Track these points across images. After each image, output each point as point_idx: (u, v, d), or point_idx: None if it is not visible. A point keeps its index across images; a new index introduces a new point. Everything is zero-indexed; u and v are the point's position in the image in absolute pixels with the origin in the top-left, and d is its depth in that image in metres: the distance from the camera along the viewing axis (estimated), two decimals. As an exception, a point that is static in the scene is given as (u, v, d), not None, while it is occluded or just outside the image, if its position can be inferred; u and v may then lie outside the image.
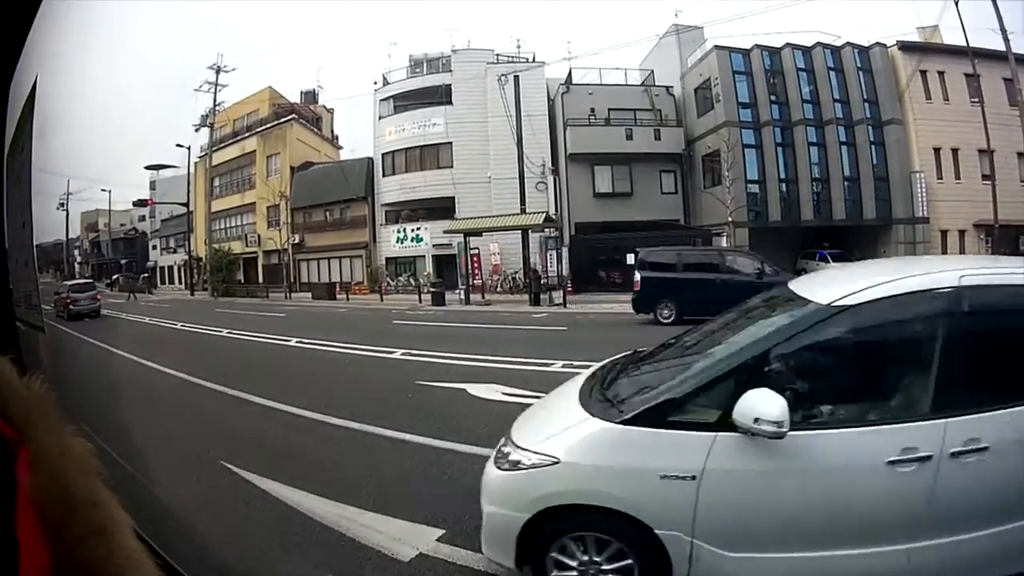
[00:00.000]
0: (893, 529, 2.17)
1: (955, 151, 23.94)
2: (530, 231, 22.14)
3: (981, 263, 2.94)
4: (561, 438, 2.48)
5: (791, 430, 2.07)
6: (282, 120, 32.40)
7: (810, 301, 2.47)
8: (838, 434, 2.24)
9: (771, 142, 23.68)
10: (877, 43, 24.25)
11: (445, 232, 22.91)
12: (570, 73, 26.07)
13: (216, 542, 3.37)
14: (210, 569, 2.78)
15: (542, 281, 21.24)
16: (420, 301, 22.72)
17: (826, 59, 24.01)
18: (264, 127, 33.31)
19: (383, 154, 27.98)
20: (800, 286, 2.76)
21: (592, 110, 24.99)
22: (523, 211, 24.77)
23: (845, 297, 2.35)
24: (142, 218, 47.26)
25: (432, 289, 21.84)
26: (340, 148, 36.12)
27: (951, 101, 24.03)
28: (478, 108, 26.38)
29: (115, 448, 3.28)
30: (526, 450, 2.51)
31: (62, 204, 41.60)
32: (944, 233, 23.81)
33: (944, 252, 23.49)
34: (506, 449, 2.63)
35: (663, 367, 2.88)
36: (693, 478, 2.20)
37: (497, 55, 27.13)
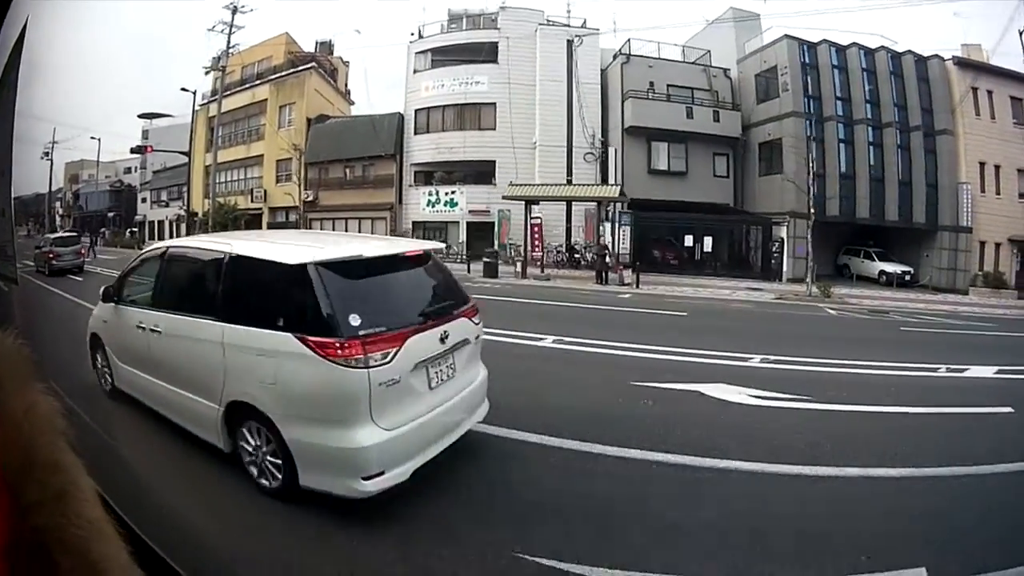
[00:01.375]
0: (141, 362, 3.71)
1: (997, 168, 21.78)
2: (603, 203, 18.01)
3: (186, 240, 4.60)
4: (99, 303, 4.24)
5: (120, 304, 3.93)
6: (300, 68, 26.84)
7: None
8: (132, 311, 3.80)
9: (833, 137, 20.63)
10: (936, 55, 21.79)
11: (504, 198, 18.54)
12: (628, 43, 22.07)
13: (197, 521, 2.63)
14: (186, 543, 2.15)
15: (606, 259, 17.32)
16: (469, 271, 18.25)
17: (888, 63, 21.26)
18: (279, 75, 27.55)
19: (416, 110, 23.16)
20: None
21: (651, 84, 21.22)
22: (569, 182, 20.66)
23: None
24: (128, 170, 39.94)
25: (487, 260, 17.48)
26: (352, 103, 30.57)
27: (997, 120, 21.90)
28: (526, 70, 22.08)
29: (89, 411, 3.59)
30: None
31: (47, 153, 34.12)
32: (982, 244, 21.54)
33: (981, 263, 21.32)
34: None
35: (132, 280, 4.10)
36: (105, 322, 4.12)
37: (547, 18, 22.80)
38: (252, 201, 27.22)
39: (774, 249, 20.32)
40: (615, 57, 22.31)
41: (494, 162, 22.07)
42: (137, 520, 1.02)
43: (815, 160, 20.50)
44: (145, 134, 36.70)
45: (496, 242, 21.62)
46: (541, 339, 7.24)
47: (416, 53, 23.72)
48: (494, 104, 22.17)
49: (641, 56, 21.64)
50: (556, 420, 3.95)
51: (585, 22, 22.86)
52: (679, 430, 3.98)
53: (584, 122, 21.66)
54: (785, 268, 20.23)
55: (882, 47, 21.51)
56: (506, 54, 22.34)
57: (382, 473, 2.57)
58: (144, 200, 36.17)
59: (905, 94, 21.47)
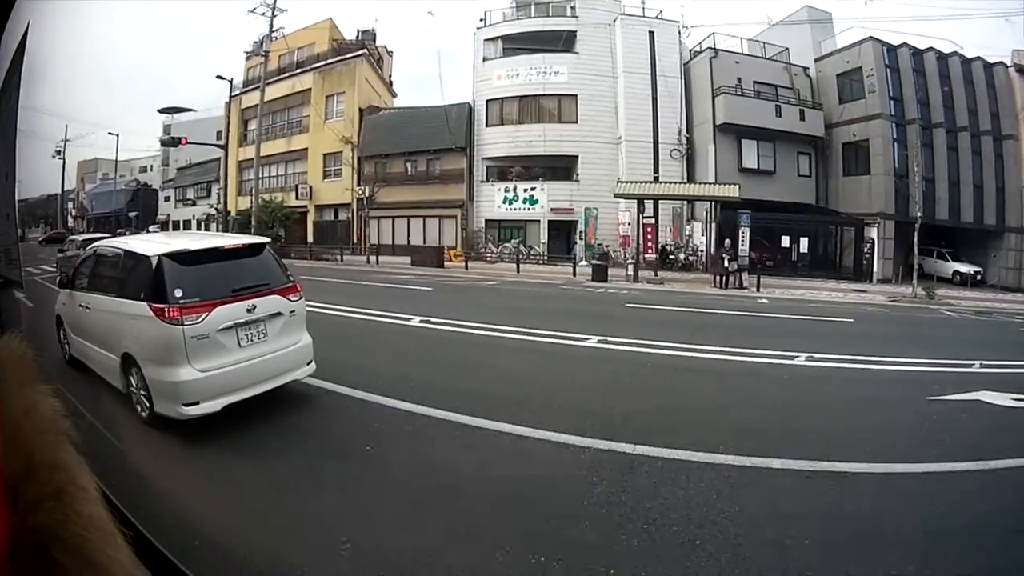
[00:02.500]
0: (82, 332, 4.33)
1: (1051, 173, 20.69)
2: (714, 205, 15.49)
3: (107, 241, 4.74)
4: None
5: (73, 290, 4.45)
6: (350, 55, 23.10)
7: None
8: (78, 294, 4.31)
9: (915, 140, 18.93)
10: (1000, 62, 20.49)
11: (616, 196, 15.68)
12: (713, 37, 19.69)
13: (208, 523, 2.50)
14: (193, 544, 2.12)
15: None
16: (575, 275, 15.41)
17: (960, 69, 19.78)
18: (326, 62, 23.72)
19: (488, 100, 19.99)
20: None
21: (739, 80, 18.88)
22: (656, 179, 18.16)
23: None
24: (144, 168, 34.64)
25: (596, 262, 14.73)
26: (395, 95, 26.96)
27: (1051, 125, 20.75)
28: (606, 61, 19.36)
29: (97, 415, 3.54)
30: None
31: (59, 151, 28.85)
32: (1039, 245, 20.43)
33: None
34: None
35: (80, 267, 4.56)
36: (64, 304, 4.62)
37: (624, 8, 20.16)
38: (297, 198, 23.30)
39: (865, 250, 18.43)
40: (693, 53, 19.89)
41: (576, 157, 19.27)
42: (144, 521, 0.99)
43: (900, 162, 18.88)
44: (167, 129, 31.80)
45: (579, 242, 18.84)
46: (793, 356, 6.14)
47: (484, 40, 20.59)
48: (575, 96, 19.37)
49: (729, 51, 19.27)
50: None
51: (661, 13, 20.29)
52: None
53: (673, 117, 19.11)
54: (876, 269, 18.39)
55: (955, 52, 20.03)
56: (585, 44, 19.54)
57: (197, 403, 3.30)
58: (167, 199, 31.23)
59: (975, 99, 20.07)
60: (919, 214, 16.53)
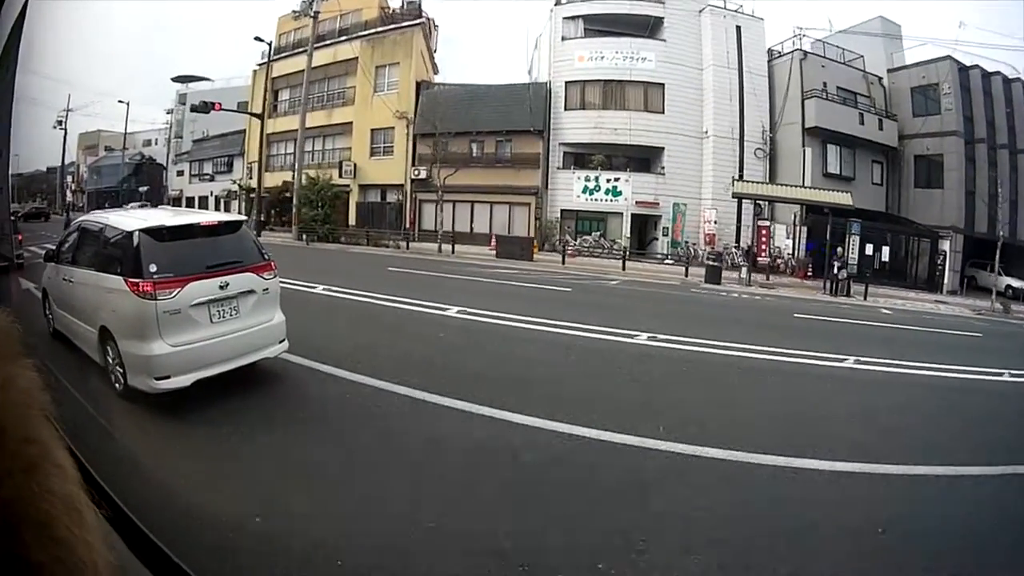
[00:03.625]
0: (66, 307, 4.01)
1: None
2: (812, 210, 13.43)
3: (89, 216, 4.57)
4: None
5: (58, 264, 4.14)
6: (407, 23, 19.57)
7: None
8: (62, 268, 4.03)
9: (984, 158, 17.83)
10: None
11: (735, 195, 13.42)
12: (800, 39, 17.78)
13: (193, 503, 2.29)
14: (183, 529, 1.91)
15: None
16: (687, 275, 12.94)
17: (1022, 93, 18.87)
18: (377, 30, 20.06)
19: (567, 83, 17.16)
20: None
21: (824, 84, 17.01)
22: (741, 177, 16.05)
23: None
24: (147, 142, 29.28)
25: (710, 262, 12.39)
26: (436, 71, 23.35)
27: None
28: (692, 52, 17.00)
29: (80, 387, 3.25)
30: None
31: (60, 122, 23.60)
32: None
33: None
34: None
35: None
36: (50, 278, 4.28)
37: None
38: (341, 176, 19.53)
39: (939, 261, 17.06)
40: (772, 53, 17.90)
41: (662, 149, 16.80)
42: (129, 503, 0.93)
43: (969, 178, 17.69)
44: (183, 98, 26.81)
45: (662, 238, 16.41)
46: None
47: (564, 18, 17.74)
48: (662, 85, 16.92)
49: (816, 55, 17.36)
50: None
51: (742, 7, 18.12)
52: None
53: (757, 116, 17.01)
54: (946, 280, 17.06)
55: (1018, 78, 19.10)
56: (672, 32, 17.09)
57: (168, 377, 3.13)
58: (180, 173, 26.27)
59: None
60: (1002, 233, 15.34)
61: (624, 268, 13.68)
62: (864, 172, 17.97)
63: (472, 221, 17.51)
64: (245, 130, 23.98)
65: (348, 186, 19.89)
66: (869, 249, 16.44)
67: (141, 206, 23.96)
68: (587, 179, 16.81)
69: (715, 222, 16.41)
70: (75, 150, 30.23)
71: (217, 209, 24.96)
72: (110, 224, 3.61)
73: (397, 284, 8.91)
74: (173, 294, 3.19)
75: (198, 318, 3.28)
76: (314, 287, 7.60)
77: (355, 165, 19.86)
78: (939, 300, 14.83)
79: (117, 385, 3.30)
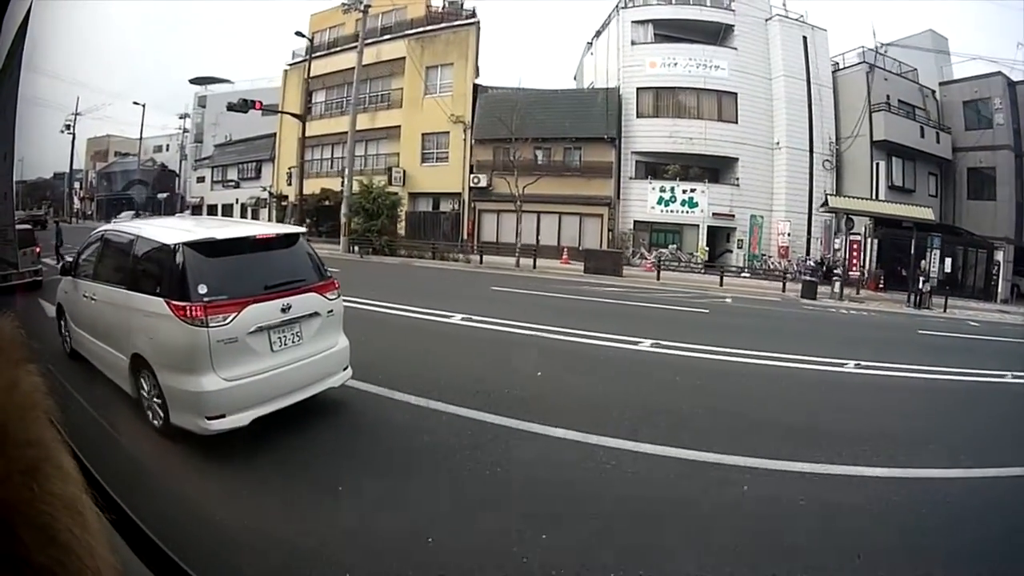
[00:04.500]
0: (87, 327, 3.41)
1: None
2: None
3: (116, 225, 3.74)
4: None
5: (76, 278, 3.54)
6: (461, 23, 17.50)
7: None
8: (82, 282, 3.42)
9: (1029, 170, 17.36)
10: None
11: (827, 209, 12.34)
12: (874, 51, 16.76)
13: (194, 511, 2.14)
14: (183, 530, 1.76)
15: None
16: (784, 290, 11.62)
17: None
18: (425, 29, 17.91)
19: (639, 89, 15.58)
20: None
21: (887, 97, 16.08)
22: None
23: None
24: (158, 148, 26.05)
25: (807, 279, 11.40)
26: (478, 75, 21.29)
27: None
28: (762, 61, 15.72)
29: (97, 409, 2.83)
30: None
31: (68, 126, 20.64)
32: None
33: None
34: None
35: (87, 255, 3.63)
36: (67, 293, 3.65)
37: (772, 9, 16.62)
38: (391, 184, 17.31)
39: (994, 271, 16.45)
40: (834, 64, 16.84)
41: (736, 160, 15.45)
42: (135, 508, 0.88)
43: (1019, 191, 17.18)
44: (201, 100, 23.70)
45: (736, 250, 15.09)
46: None
47: (632, 22, 16.10)
48: (735, 94, 15.62)
49: (881, 68, 16.37)
50: None
51: (802, 16, 16.98)
52: None
53: (824, 127, 15.90)
54: (1000, 290, 16.50)
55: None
56: (743, 41, 15.76)
57: (223, 416, 2.52)
58: (201, 179, 23.27)
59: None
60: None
61: (722, 283, 12.27)
62: (922, 184, 17.24)
63: (538, 232, 15.75)
64: (276, 133, 21.29)
65: (396, 194, 17.70)
66: (948, 263, 15.68)
67: (135, 215, 21.23)
68: (662, 189, 15.34)
69: (788, 234, 15.24)
70: (83, 156, 26.64)
71: (244, 218, 22.19)
72: (144, 236, 2.95)
73: (523, 308, 7.33)
74: (228, 320, 2.57)
75: (257, 347, 2.67)
76: (450, 315, 6.09)
77: (404, 172, 17.68)
78: (1000, 310, 14.21)
79: (155, 422, 2.69)
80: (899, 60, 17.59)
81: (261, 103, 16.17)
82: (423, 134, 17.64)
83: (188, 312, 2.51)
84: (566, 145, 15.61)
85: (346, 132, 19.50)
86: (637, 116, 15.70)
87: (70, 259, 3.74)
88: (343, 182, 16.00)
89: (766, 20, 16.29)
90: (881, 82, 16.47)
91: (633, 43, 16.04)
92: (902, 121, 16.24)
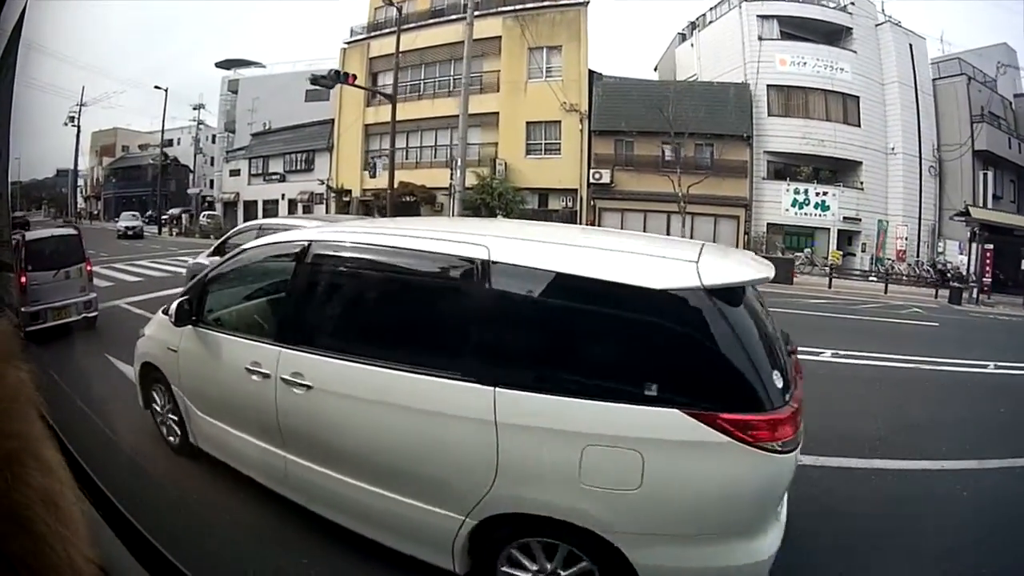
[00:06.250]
0: (257, 424, 1.96)
1: None
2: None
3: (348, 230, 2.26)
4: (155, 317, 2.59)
5: (199, 326, 2.20)
6: (569, 2, 16.24)
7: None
8: (217, 335, 2.16)
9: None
10: None
11: (974, 218, 12.72)
12: (959, 63, 17.43)
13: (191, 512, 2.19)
14: (177, 526, 1.80)
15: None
16: (936, 296, 11.77)
17: None
18: (527, 7, 16.47)
19: (769, 86, 15.18)
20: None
21: (982, 108, 16.85)
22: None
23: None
24: (169, 142, 22.57)
25: (955, 284, 11.66)
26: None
27: None
28: (875, 66, 15.95)
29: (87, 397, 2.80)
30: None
31: (72, 118, 17.65)
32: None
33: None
34: None
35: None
36: (175, 351, 2.33)
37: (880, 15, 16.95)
38: (494, 176, 15.65)
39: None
40: (930, 75, 17.48)
41: (860, 163, 15.46)
42: (127, 503, 0.90)
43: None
44: (232, 85, 20.56)
45: (860, 254, 15.12)
46: None
47: (758, 16, 15.64)
48: (858, 98, 15.60)
49: (980, 82, 17.13)
50: None
51: (901, 22, 17.45)
52: None
53: (928, 135, 16.37)
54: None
55: None
56: (860, 44, 15.86)
57: None
58: (236, 173, 20.16)
59: None
60: None
61: (887, 291, 12.09)
62: (1008, 192, 18.27)
63: (668, 234, 14.80)
64: (334, 120, 18.75)
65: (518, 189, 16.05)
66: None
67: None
68: (796, 192, 14.99)
69: (906, 238, 15.48)
70: (87, 151, 22.65)
71: (292, 214, 19.37)
72: (548, 268, 1.51)
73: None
74: (798, 434, 1.43)
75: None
76: (820, 352, 5.25)
77: (506, 164, 16.09)
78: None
79: None
80: (976, 67, 18.62)
81: (354, 77, 13.95)
82: (528, 123, 16.14)
83: (771, 429, 1.36)
84: (697, 141, 14.84)
85: (426, 118, 17.58)
86: (768, 115, 15.28)
87: (187, 298, 2.29)
88: (452, 174, 14.16)
89: (876, 25, 16.52)
90: (975, 93, 17.26)
91: (760, 38, 15.62)
92: (996, 132, 17.12)
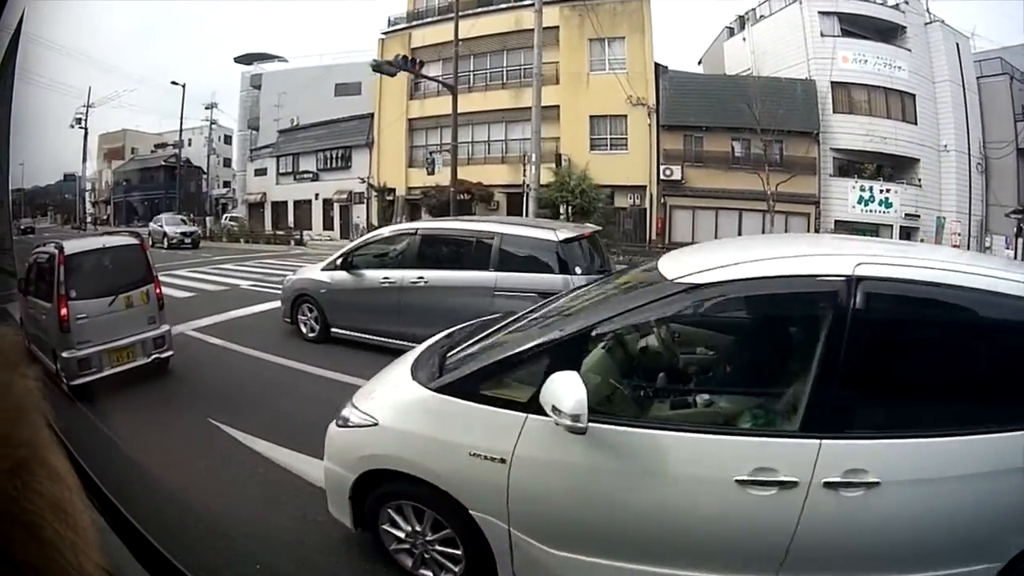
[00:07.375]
0: (746, 559, 1.37)
1: None
2: None
3: (879, 248, 1.83)
4: (383, 399, 1.79)
5: (612, 424, 1.39)
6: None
7: (662, 277, 1.51)
8: (672, 436, 1.38)
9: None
10: None
11: (1019, 218, 12.83)
12: (1000, 62, 18.06)
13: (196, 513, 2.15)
14: (182, 531, 1.84)
15: None
16: None
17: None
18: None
19: (833, 83, 15.30)
20: (666, 260, 1.72)
21: (1022, 107, 17.56)
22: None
23: (693, 274, 1.43)
24: (181, 143, 21.02)
25: None
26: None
27: None
28: (927, 64, 16.37)
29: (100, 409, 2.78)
30: (356, 408, 1.80)
31: (79, 120, 16.26)
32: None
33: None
34: (345, 408, 1.86)
35: (502, 337, 1.81)
36: (503, 461, 1.45)
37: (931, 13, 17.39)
38: (558, 171, 15.14)
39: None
40: (975, 73, 18.09)
41: (918, 160, 15.82)
42: (133, 510, 0.89)
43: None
44: (255, 80, 19.20)
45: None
46: None
47: (819, 13, 15.71)
48: (914, 96, 15.92)
49: (1017, 80, 17.80)
50: None
51: (942, 21, 17.96)
52: None
53: (974, 133, 16.93)
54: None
55: None
56: (913, 43, 16.21)
57: None
58: (262, 172, 18.82)
59: None
60: None
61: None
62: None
63: (740, 233, 14.70)
64: (373, 114, 17.70)
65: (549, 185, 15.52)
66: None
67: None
68: (862, 189, 15.17)
69: (959, 234, 15.97)
70: (95, 155, 20.75)
71: (330, 216, 18.17)
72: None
73: None
74: None
75: None
76: None
77: (569, 159, 15.58)
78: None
79: None
80: (1017, 68, 19.41)
81: (422, 63, 13.09)
82: (591, 116, 15.68)
83: None
84: (765, 138, 14.77)
85: (478, 111, 16.89)
86: (833, 112, 15.38)
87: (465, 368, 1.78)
88: (526, 170, 13.52)
89: (925, 24, 16.92)
90: (1017, 92, 17.98)
91: (823, 35, 15.69)
92: (1035, 130, 17.88)
